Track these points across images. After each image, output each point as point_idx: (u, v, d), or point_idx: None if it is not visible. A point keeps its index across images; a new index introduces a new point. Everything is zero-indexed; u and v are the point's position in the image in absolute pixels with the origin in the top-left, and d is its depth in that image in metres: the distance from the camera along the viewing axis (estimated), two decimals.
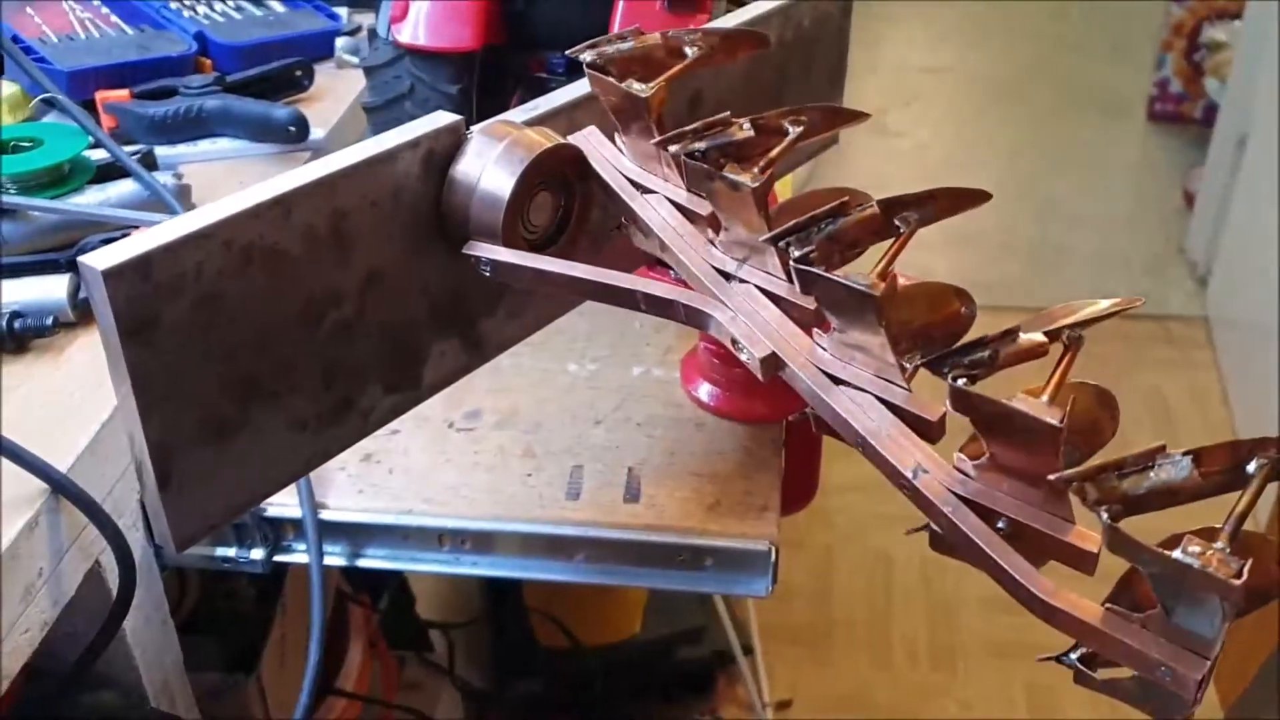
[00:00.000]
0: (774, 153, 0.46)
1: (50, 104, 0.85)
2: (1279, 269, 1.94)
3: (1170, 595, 0.34)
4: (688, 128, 0.48)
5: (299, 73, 0.95)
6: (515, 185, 0.48)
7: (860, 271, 0.41)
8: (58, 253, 0.69)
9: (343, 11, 1.09)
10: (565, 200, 0.53)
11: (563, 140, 0.51)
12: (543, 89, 0.69)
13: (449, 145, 0.49)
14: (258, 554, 0.66)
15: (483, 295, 0.54)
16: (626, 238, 0.53)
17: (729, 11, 0.67)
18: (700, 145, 0.47)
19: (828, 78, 0.76)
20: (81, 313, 0.66)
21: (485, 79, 0.74)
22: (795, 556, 1.84)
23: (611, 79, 0.50)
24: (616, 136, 0.53)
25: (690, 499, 0.64)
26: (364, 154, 0.47)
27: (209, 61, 0.96)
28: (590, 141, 0.53)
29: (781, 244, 0.43)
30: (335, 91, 0.98)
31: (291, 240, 0.45)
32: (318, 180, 0.45)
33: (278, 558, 0.66)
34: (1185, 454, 0.34)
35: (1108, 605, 0.37)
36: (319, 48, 1.02)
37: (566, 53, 0.53)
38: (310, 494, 0.64)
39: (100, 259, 0.39)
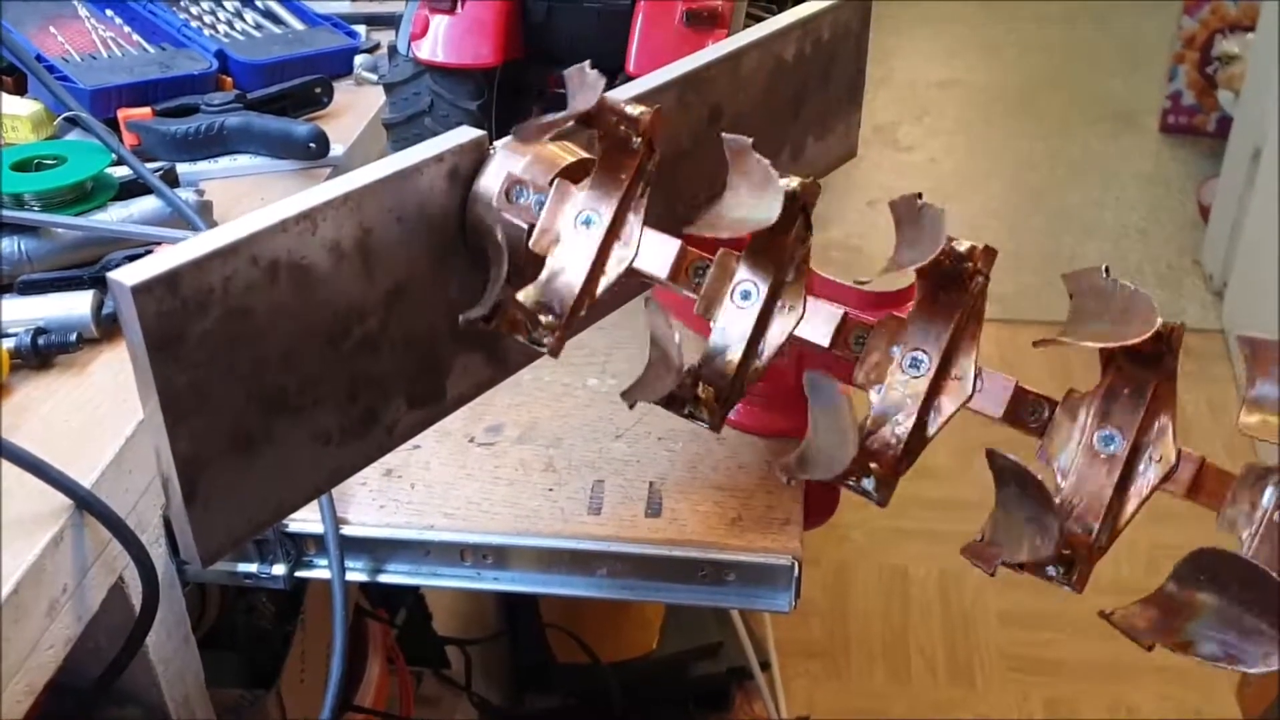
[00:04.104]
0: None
1: (73, 122, 0.86)
2: None
3: None
4: None
5: (319, 90, 0.96)
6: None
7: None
8: (81, 269, 0.70)
9: (361, 29, 1.09)
10: None
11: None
12: (562, 104, 0.70)
13: (473, 160, 0.50)
14: (279, 569, 0.66)
15: None
16: None
17: (749, 26, 0.68)
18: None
19: (846, 90, 0.76)
20: (105, 329, 0.67)
21: (504, 94, 0.75)
22: (812, 572, 1.83)
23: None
24: None
25: (712, 513, 0.63)
26: (389, 169, 0.47)
27: (229, 79, 0.97)
28: None
29: None
30: (355, 108, 0.98)
31: (317, 255, 0.45)
32: (344, 195, 0.45)
33: (299, 573, 0.66)
34: None
35: None
36: (338, 65, 1.02)
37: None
38: (332, 509, 0.64)
39: (129, 275, 0.40)
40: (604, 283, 0.47)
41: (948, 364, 0.43)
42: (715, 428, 0.48)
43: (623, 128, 0.46)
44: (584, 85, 0.46)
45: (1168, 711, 1.63)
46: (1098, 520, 0.42)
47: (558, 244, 0.47)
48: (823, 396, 0.44)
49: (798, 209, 0.44)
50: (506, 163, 0.50)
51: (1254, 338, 0.39)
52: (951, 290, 0.43)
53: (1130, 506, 0.41)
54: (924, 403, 0.43)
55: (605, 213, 0.46)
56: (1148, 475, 0.41)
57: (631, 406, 0.48)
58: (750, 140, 0.45)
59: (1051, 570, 0.42)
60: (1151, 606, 0.40)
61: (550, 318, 0.47)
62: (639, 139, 0.46)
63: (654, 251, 0.47)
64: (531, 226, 0.48)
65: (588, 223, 0.46)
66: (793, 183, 0.44)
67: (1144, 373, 0.41)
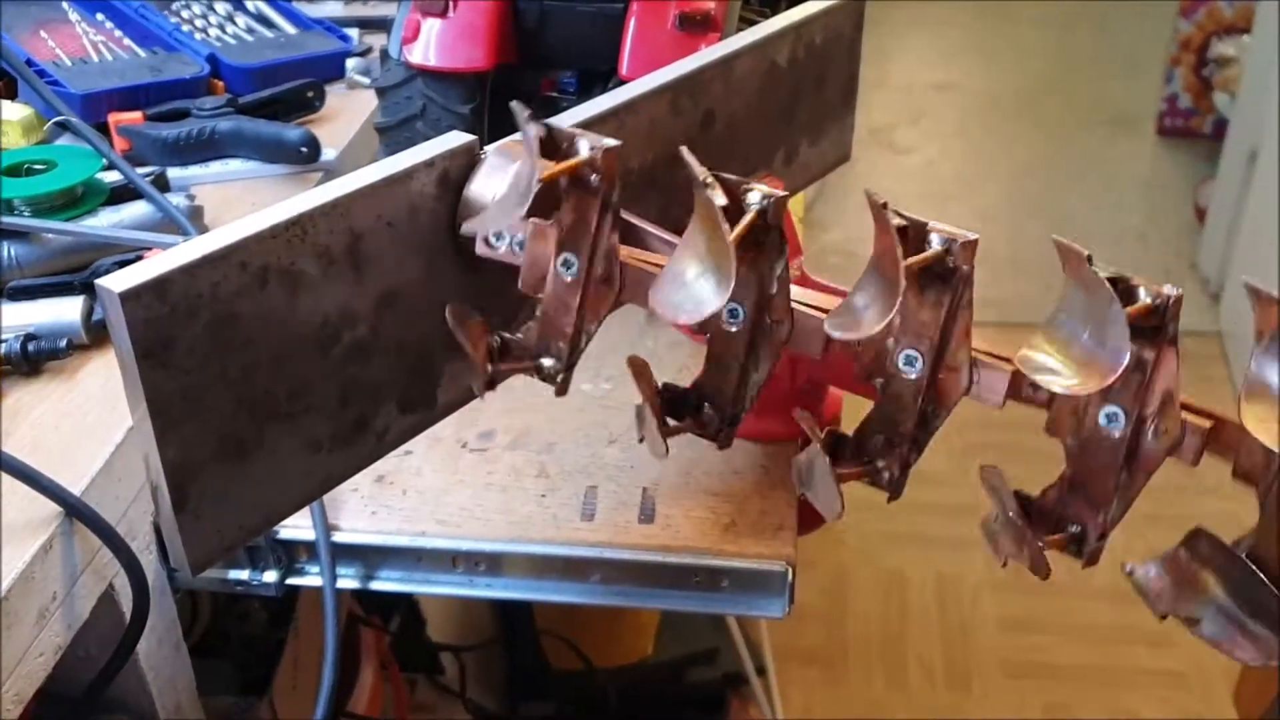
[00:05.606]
0: None
1: (64, 127, 0.86)
2: None
3: None
4: None
5: (310, 94, 0.95)
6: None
7: None
8: (71, 275, 0.69)
9: (354, 33, 1.09)
10: None
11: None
12: (555, 108, 0.69)
13: (464, 165, 0.49)
14: (270, 576, 0.65)
15: (497, 315, 0.54)
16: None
17: (741, 30, 0.67)
18: None
19: (840, 94, 0.76)
20: (95, 335, 0.66)
21: (497, 99, 0.74)
22: (808, 577, 1.83)
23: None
24: None
25: (706, 519, 0.63)
26: (380, 174, 0.46)
27: (221, 83, 0.97)
28: None
29: None
30: (347, 112, 0.98)
31: (307, 261, 0.45)
32: (333, 201, 0.45)
33: (291, 580, 0.65)
34: None
35: None
36: (330, 69, 1.02)
37: None
38: (323, 516, 0.63)
39: (117, 281, 0.39)
40: (595, 324, 0.48)
41: (942, 357, 0.43)
42: (722, 445, 0.49)
43: (583, 167, 0.46)
44: (529, 142, 0.46)
45: (1166, 715, 1.63)
46: (1106, 498, 0.41)
47: (546, 283, 0.48)
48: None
49: (766, 227, 0.44)
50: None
51: (1261, 290, 0.39)
52: (936, 286, 0.42)
53: (1138, 480, 0.41)
54: (924, 397, 0.44)
55: (581, 256, 0.47)
56: (1154, 448, 0.41)
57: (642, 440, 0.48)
58: None
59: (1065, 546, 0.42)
60: (1167, 571, 0.40)
61: (552, 361, 0.48)
62: (597, 176, 0.46)
63: (639, 284, 0.47)
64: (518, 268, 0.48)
65: (567, 265, 0.47)
66: (757, 200, 0.43)
67: (1143, 346, 0.40)
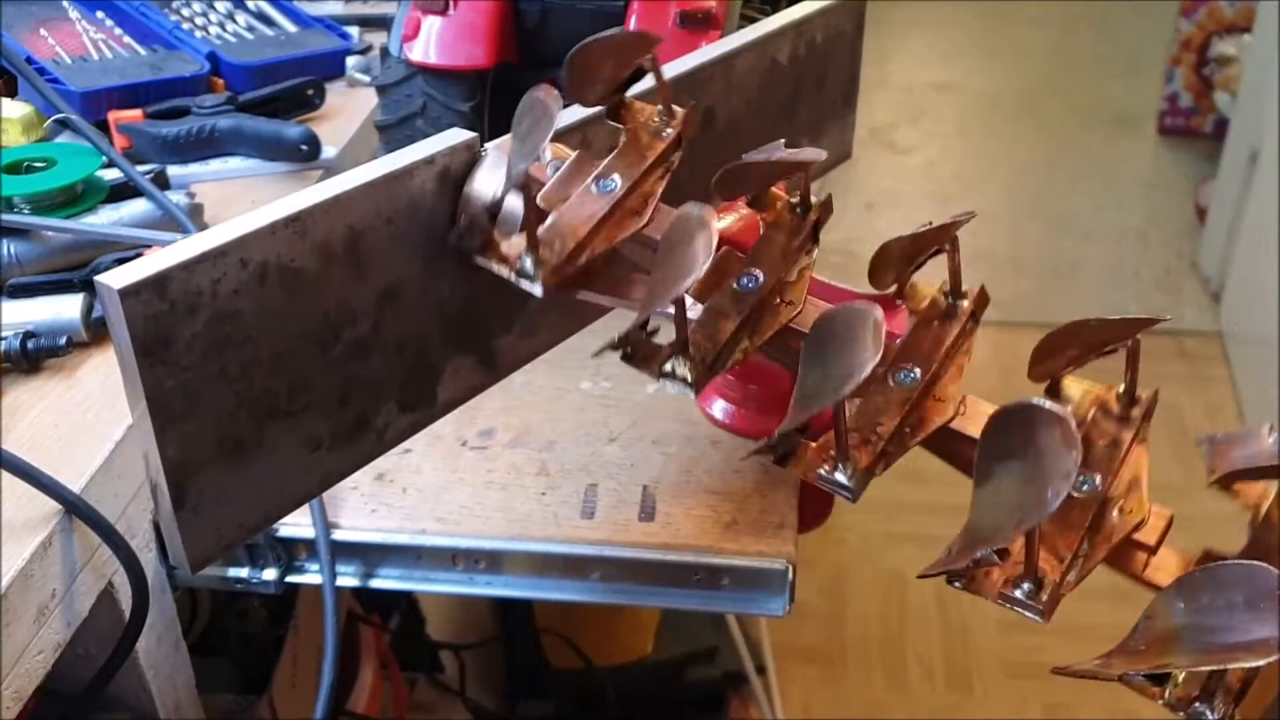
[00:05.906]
0: None
1: (64, 124, 0.85)
2: None
3: None
4: None
5: (311, 92, 0.95)
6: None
7: None
8: (71, 272, 0.69)
9: (354, 31, 1.09)
10: None
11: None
12: None
13: (464, 162, 0.49)
14: (270, 574, 0.65)
15: (497, 313, 0.54)
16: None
17: (742, 28, 0.67)
18: None
19: (841, 94, 0.76)
20: (94, 332, 0.66)
21: (497, 97, 0.74)
22: (808, 576, 1.83)
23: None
24: None
25: (706, 517, 0.63)
26: (380, 171, 0.46)
27: (221, 81, 0.96)
28: None
29: None
30: (347, 110, 0.98)
31: (307, 258, 0.45)
32: (334, 197, 0.45)
33: (290, 578, 0.65)
34: None
35: None
36: (330, 67, 1.02)
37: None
38: (323, 514, 0.63)
39: (117, 278, 0.39)
40: (603, 246, 0.48)
41: (934, 385, 0.44)
42: (696, 389, 0.47)
43: (657, 118, 0.48)
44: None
45: (1167, 715, 1.62)
46: (1069, 555, 0.43)
47: (567, 201, 0.48)
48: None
49: (810, 221, 0.45)
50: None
51: (1214, 436, 0.42)
52: (944, 322, 0.43)
53: (1099, 551, 0.42)
54: (907, 413, 0.44)
55: (623, 182, 0.48)
56: (1117, 524, 0.42)
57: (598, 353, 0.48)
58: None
59: (1019, 593, 0.43)
60: (1123, 653, 0.41)
61: (548, 253, 0.47)
62: (671, 130, 0.49)
63: (663, 222, 0.47)
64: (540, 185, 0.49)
65: (604, 185, 0.48)
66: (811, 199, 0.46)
67: (1120, 428, 0.42)
